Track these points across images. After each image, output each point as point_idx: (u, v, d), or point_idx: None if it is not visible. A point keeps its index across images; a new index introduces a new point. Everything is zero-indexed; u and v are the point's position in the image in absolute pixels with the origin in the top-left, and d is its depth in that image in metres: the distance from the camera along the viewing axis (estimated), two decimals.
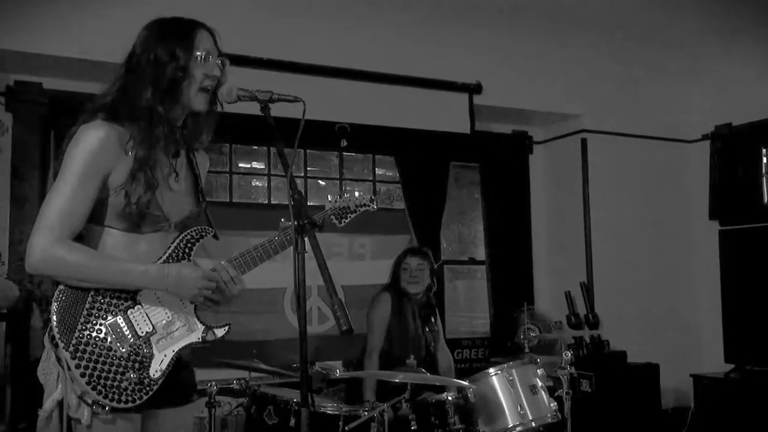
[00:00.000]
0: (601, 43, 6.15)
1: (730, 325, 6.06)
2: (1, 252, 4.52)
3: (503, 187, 6.18)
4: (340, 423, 3.38)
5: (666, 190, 6.47)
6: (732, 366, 5.84)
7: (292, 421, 3.45)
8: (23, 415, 4.27)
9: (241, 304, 4.95)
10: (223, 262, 2.17)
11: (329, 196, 2.50)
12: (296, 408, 3.44)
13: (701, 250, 6.42)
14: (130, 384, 2.01)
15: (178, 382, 2.16)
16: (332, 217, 2.45)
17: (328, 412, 3.47)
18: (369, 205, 2.52)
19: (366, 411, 3.39)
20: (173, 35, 2.13)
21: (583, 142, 6.16)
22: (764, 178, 6.07)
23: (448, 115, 5.57)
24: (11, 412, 4.34)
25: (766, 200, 6.06)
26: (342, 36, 5.22)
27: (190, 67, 2.11)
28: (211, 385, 3.71)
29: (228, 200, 5.36)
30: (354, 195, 2.51)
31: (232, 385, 3.79)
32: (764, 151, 6.09)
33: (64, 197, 2.01)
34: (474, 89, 5.67)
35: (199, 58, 2.12)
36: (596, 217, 6.11)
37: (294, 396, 3.54)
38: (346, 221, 2.49)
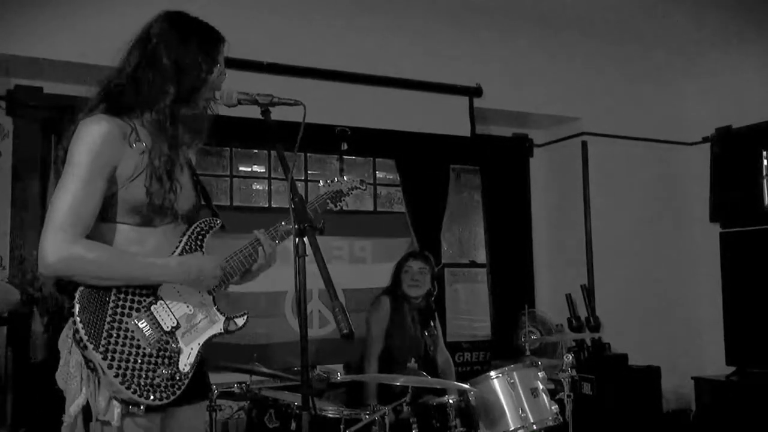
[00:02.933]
0: (601, 45, 6.15)
1: (731, 328, 6.06)
2: (2, 256, 4.52)
3: (504, 190, 6.18)
4: (341, 426, 3.38)
5: (666, 192, 6.48)
6: (733, 368, 5.83)
7: (293, 425, 3.45)
8: (24, 419, 4.27)
9: (243, 308, 4.94)
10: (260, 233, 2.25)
11: (320, 181, 2.52)
12: (297, 411, 3.45)
13: (702, 253, 6.42)
14: (162, 380, 2.00)
15: (197, 379, 2.14)
16: (328, 201, 2.48)
17: (329, 415, 3.47)
18: (360, 187, 2.59)
19: (367, 414, 3.39)
20: (200, 42, 2.14)
21: (584, 144, 6.16)
22: (765, 181, 6.07)
23: (448, 118, 5.57)
24: (12, 416, 4.34)
25: (766, 203, 6.06)
26: (342, 39, 5.22)
27: (209, 79, 2.14)
28: (211, 389, 3.70)
29: (228, 204, 5.36)
30: (343, 178, 2.56)
31: (233, 389, 3.79)
32: (764, 153, 6.09)
33: (73, 195, 1.97)
34: (474, 92, 5.68)
35: (214, 72, 2.15)
36: (597, 219, 6.11)
37: (295, 399, 3.54)
38: (341, 204, 2.52)
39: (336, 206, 2.51)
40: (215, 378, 3.98)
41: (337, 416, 3.44)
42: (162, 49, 2.09)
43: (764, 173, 6.09)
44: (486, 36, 5.74)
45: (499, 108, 5.85)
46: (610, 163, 6.22)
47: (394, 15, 5.40)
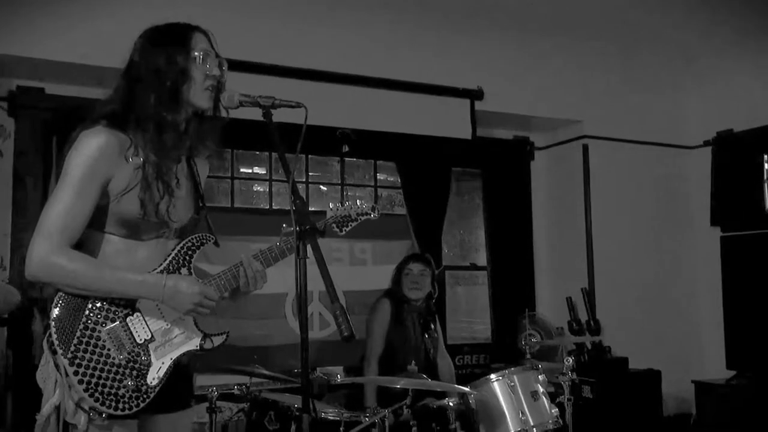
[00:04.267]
0: (602, 49, 6.16)
1: (731, 332, 6.05)
2: (3, 257, 4.52)
3: (504, 193, 6.18)
4: (341, 429, 3.37)
5: (667, 196, 6.47)
6: (734, 372, 5.83)
7: (293, 427, 3.45)
8: (24, 420, 4.27)
9: (243, 310, 4.95)
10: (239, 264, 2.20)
11: (330, 203, 2.48)
12: (297, 414, 3.44)
13: (703, 257, 6.41)
14: (127, 391, 2.02)
15: (177, 388, 2.16)
16: (333, 225, 2.44)
17: (329, 417, 3.46)
18: (370, 214, 2.51)
19: (367, 417, 3.38)
20: (169, 40, 2.14)
21: (585, 148, 6.16)
22: (765, 185, 6.06)
23: (449, 121, 5.58)
24: (12, 417, 4.34)
25: (767, 207, 6.06)
26: (344, 42, 5.23)
27: (189, 69, 2.12)
28: (211, 391, 3.70)
29: (229, 205, 5.36)
30: (355, 203, 2.50)
31: (233, 391, 3.78)
32: (765, 157, 6.08)
33: (64, 204, 2.01)
34: (475, 95, 5.68)
35: (197, 60, 2.13)
36: (597, 222, 6.11)
37: (295, 401, 3.54)
38: (347, 229, 2.48)
39: (341, 231, 2.46)
40: (215, 379, 4.00)
41: (337, 418, 3.43)
42: (141, 63, 2.13)
43: (765, 177, 6.08)
44: (487, 39, 5.74)
45: (501, 111, 5.85)
46: (611, 167, 6.21)
47: (395, 18, 5.40)
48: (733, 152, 6.20)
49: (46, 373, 2.05)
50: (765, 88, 5.98)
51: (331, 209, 2.47)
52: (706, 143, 6.44)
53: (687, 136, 6.55)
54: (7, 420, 4.34)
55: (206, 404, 3.70)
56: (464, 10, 5.51)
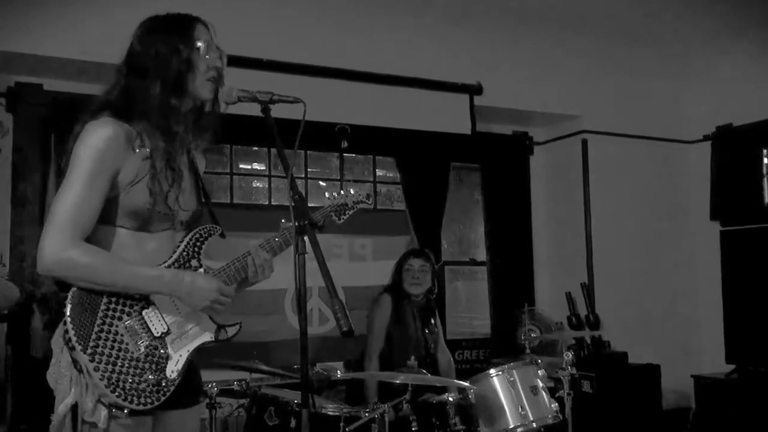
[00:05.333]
0: (601, 43, 6.15)
1: (730, 326, 6.06)
2: (2, 253, 4.52)
3: (504, 188, 6.18)
4: (341, 424, 3.38)
5: (667, 190, 6.47)
6: (733, 367, 5.83)
7: (293, 422, 3.45)
8: (24, 416, 4.27)
9: (242, 306, 4.94)
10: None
11: (326, 193, 2.54)
12: (297, 409, 3.45)
13: (702, 251, 6.41)
14: (148, 385, 2.00)
15: (187, 384, 2.14)
16: (332, 214, 2.49)
17: (329, 413, 3.47)
18: (366, 202, 2.58)
19: (367, 412, 3.39)
20: (172, 30, 2.13)
21: (584, 142, 6.16)
22: (765, 179, 6.07)
23: (448, 116, 5.57)
24: (12, 414, 4.34)
25: (766, 201, 6.06)
26: (342, 37, 5.22)
27: (193, 59, 2.11)
28: (211, 386, 3.71)
29: (228, 201, 5.36)
30: (350, 192, 2.55)
31: (232, 386, 3.79)
32: (765, 151, 6.09)
33: (75, 197, 1.98)
34: (475, 90, 5.67)
35: (200, 50, 2.13)
36: (597, 217, 6.11)
37: (295, 397, 3.54)
38: (345, 218, 2.53)
39: (339, 219, 2.52)
40: (215, 375, 4.00)
41: (337, 414, 3.44)
42: (142, 52, 2.12)
43: (765, 171, 6.09)
44: (487, 34, 5.74)
45: (500, 106, 5.85)
46: (611, 161, 6.21)
47: (394, 13, 5.39)
48: (732, 146, 6.19)
49: (58, 373, 2.01)
50: (764, 82, 5.97)
51: (329, 198, 2.52)
52: (705, 137, 6.43)
53: (686, 131, 6.55)
54: (7, 415, 4.34)
55: (206, 400, 3.71)
56: (463, 5, 5.50)
